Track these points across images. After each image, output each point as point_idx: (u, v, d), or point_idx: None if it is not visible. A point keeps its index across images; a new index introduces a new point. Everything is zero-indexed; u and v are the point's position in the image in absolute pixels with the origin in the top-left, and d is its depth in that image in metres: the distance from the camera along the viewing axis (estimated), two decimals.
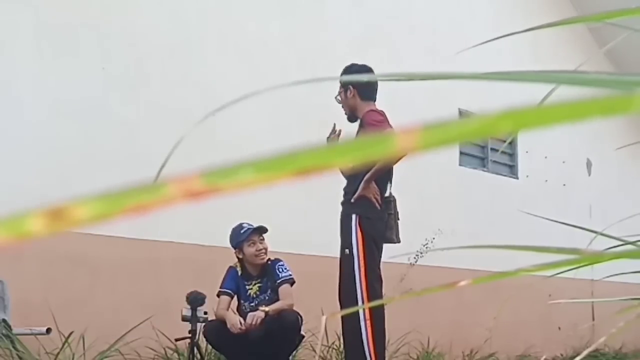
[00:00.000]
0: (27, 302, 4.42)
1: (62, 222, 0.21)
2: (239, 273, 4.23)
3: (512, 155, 8.49)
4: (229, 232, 4.26)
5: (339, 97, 4.13)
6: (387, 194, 4.04)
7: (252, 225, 4.17)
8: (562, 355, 7.95)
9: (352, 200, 3.89)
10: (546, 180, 8.71)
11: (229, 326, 4.00)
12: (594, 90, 0.31)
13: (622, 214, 1.73)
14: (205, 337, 4.16)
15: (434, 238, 6.38)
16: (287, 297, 4.14)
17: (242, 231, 4.16)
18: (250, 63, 5.94)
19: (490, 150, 8.06)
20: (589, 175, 9.52)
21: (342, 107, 4.12)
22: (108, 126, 5.12)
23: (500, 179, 8.15)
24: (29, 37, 4.87)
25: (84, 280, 4.90)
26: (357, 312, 3.76)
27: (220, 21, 5.89)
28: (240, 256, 4.20)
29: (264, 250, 4.19)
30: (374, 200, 3.89)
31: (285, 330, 4.04)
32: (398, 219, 4.09)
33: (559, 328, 8.26)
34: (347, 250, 3.91)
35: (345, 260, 3.92)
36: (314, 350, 5.21)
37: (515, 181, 8.38)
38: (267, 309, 4.03)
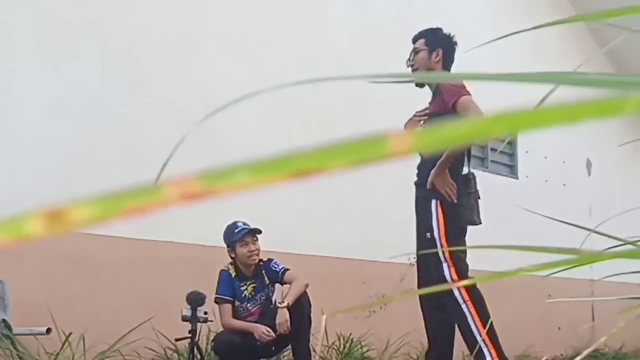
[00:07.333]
0: (27, 302, 4.42)
1: (61, 224, 0.22)
2: (233, 275, 4.18)
3: (512, 155, 8.49)
4: (223, 230, 4.25)
5: (413, 56, 3.88)
6: (465, 172, 3.80)
7: (247, 225, 4.13)
8: (562, 355, 7.95)
9: (428, 187, 3.67)
10: (546, 180, 8.71)
11: (257, 336, 3.96)
12: (594, 91, 0.31)
13: (622, 214, 1.73)
14: (215, 350, 4.09)
15: None
16: (297, 277, 4.11)
17: (236, 230, 4.12)
18: (250, 63, 5.94)
19: (490, 150, 8.06)
20: (589, 175, 9.52)
21: (413, 66, 3.87)
22: (108, 126, 5.12)
23: (500, 179, 8.15)
24: (28, 37, 4.87)
25: (84, 280, 4.90)
26: (455, 297, 3.57)
27: (220, 21, 5.89)
28: (233, 255, 4.18)
29: (256, 252, 4.14)
30: (446, 194, 3.63)
31: (302, 308, 3.99)
32: (479, 198, 3.84)
33: (559, 328, 8.26)
34: (428, 234, 3.73)
35: (427, 245, 3.68)
36: (314, 350, 5.20)
37: (515, 181, 8.38)
38: (286, 303, 3.99)
